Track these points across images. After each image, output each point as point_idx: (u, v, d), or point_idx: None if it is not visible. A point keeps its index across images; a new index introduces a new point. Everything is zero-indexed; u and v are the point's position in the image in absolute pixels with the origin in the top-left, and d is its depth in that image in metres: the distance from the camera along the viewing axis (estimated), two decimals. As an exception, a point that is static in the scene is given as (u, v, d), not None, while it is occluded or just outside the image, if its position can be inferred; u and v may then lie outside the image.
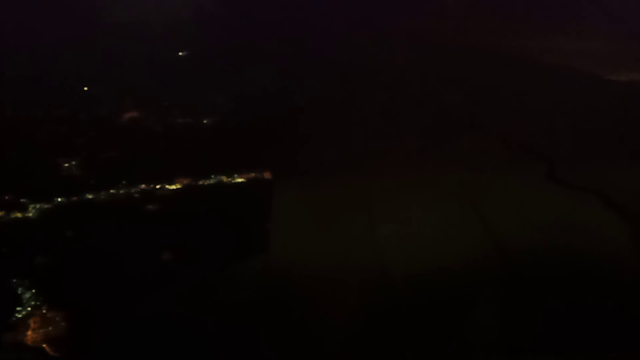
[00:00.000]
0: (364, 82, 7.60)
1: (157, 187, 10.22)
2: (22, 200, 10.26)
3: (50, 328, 7.53)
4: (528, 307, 3.96)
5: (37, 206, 10.08)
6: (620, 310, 3.61)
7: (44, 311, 7.70)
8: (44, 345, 7.27)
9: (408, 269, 4.38)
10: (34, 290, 8.04)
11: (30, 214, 9.97)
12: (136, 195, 10.10)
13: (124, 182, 10.36)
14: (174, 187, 10.12)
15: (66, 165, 11.53)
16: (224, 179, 10.28)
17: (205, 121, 13.03)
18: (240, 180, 10.09)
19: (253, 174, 10.02)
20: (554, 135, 5.78)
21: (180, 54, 15.94)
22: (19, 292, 8.13)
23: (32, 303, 7.88)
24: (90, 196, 10.17)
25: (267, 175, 10.12)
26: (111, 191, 10.24)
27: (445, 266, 4.49)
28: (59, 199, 10.29)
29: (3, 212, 10.03)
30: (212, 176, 10.08)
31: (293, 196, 6.30)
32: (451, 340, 4.02)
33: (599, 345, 3.61)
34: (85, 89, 15.09)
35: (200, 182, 9.97)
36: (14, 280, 8.26)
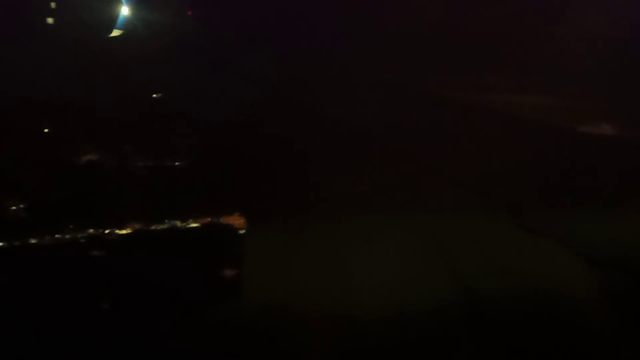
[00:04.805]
0: (332, 127, 8.55)
1: (106, 231, 11.92)
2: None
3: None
4: (494, 351, 4.82)
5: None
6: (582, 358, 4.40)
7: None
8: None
9: (375, 312, 5.20)
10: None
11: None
12: (82, 240, 11.79)
13: (71, 226, 12.30)
14: (124, 232, 11.86)
15: (13, 208, 13.07)
16: (178, 223, 11.50)
17: (166, 165, 14.95)
18: (194, 225, 11.17)
19: (209, 219, 11.12)
20: (513, 180, 6.91)
21: (154, 95, 17.46)
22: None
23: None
24: (33, 241, 11.59)
25: (223, 220, 11.36)
26: (56, 236, 11.91)
27: (412, 310, 5.50)
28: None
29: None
30: (166, 221, 12.09)
31: (261, 239, 7.17)
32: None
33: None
34: (46, 130, 15.93)
35: (153, 227, 11.75)
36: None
